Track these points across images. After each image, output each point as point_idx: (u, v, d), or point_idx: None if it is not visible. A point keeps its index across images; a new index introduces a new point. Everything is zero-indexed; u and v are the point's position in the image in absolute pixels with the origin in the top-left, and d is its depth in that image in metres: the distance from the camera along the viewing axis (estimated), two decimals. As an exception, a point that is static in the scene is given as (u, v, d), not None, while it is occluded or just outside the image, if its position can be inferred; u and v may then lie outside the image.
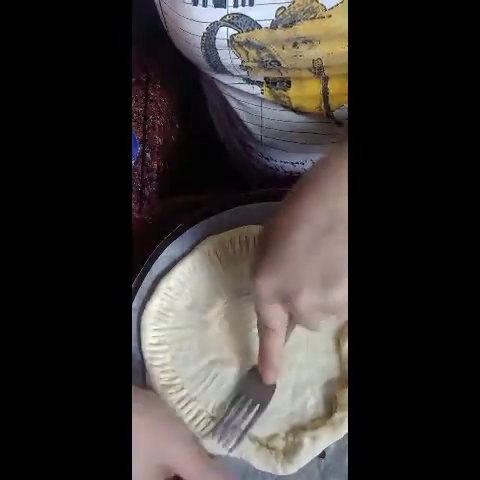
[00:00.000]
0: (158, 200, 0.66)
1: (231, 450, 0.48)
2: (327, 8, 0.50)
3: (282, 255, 0.41)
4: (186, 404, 0.51)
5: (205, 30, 0.54)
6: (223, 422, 0.49)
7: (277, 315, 0.44)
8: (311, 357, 0.51)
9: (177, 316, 0.55)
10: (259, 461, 0.48)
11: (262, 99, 0.64)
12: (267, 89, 0.62)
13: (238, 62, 0.57)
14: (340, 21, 0.51)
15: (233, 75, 0.61)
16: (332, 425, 0.48)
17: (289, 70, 0.58)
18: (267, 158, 0.76)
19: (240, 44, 0.55)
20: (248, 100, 0.66)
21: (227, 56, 0.56)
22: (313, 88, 0.60)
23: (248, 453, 0.48)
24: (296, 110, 0.64)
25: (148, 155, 0.68)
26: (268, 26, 0.53)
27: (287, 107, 0.64)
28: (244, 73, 0.59)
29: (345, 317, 0.38)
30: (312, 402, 0.50)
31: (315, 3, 0.50)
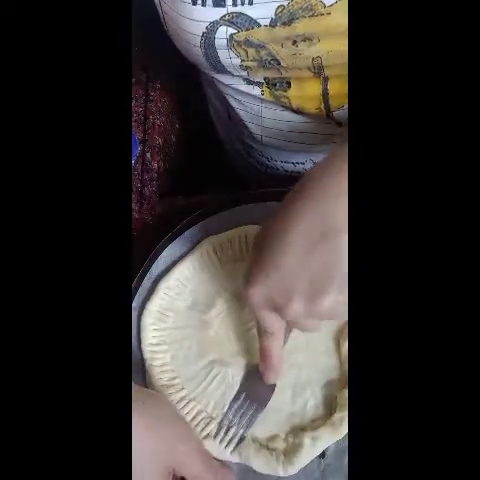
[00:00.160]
0: (158, 200, 0.67)
1: (232, 451, 0.48)
2: (326, 5, 0.50)
3: (274, 263, 0.41)
4: (186, 404, 0.51)
5: (205, 29, 0.54)
6: (223, 423, 0.49)
7: (274, 319, 0.44)
8: (311, 358, 0.51)
9: (177, 316, 0.55)
10: (259, 463, 0.48)
11: (262, 99, 0.65)
12: (267, 90, 0.62)
13: (238, 62, 0.57)
14: (339, 19, 0.51)
15: (233, 75, 0.61)
16: (332, 425, 0.48)
17: (289, 70, 0.58)
18: (267, 158, 0.76)
19: (239, 43, 0.55)
20: (248, 100, 0.66)
21: (226, 55, 0.56)
22: (313, 89, 0.60)
23: (248, 455, 0.48)
24: (296, 111, 0.64)
25: (148, 155, 0.68)
26: (267, 24, 0.53)
27: (287, 107, 0.64)
28: (244, 73, 0.59)
29: (344, 318, 0.38)
30: (312, 402, 0.50)
31: (314, 0, 0.50)
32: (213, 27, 0.54)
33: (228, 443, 0.49)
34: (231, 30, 0.54)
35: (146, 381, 0.53)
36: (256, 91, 0.63)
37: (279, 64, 0.57)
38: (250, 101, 0.66)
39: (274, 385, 0.49)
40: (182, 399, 0.51)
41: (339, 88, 0.60)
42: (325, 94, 0.61)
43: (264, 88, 0.62)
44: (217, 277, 0.56)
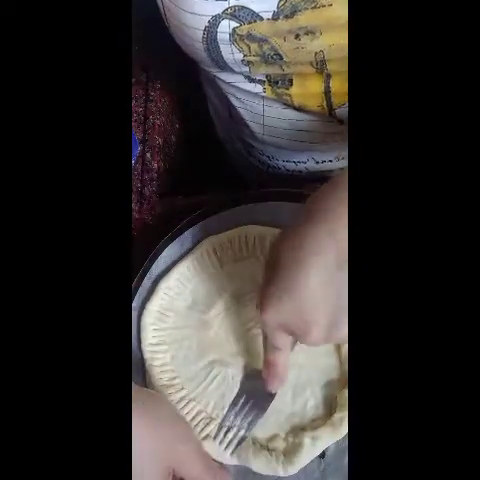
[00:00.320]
0: (158, 200, 0.67)
1: (232, 453, 0.48)
2: None
3: (290, 292, 0.40)
4: (185, 404, 0.51)
5: (207, 24, 0.54)
6: (223, 424, 0.49)
7: (284, 339, 0.44)
8: (311, 358, 0.51)
9: (177, 316, 0.55)
10: (259, 464, 0.48)
11: (264, 97, 0.64)
12: (269, 87, 0.62)
13: (240, 57, 0.57)
14: (341, 11, 0.51)
15: (234, 72, 0.61)
16: (332, 425, 0.48)
17: (291, 65, 0.58)
18: (269, 157, 0.76)
19: (242, 37, 0.55)
20: (250, 98, 0.66)
21: (229, 50, 0.56)
22: (315, 86, 0.60)
23: (247, 457, 0.48)
24: (298, 109, 0.64)
25: (148, 155, 0.68)
26: (270, 17, 0.53)
27: (289, 105, 0.64)
28: (246, 69, 0.59)
29: None
30: (312, 402, 0.50)
31: None
32: (215, 21, 0.53)
33: (228, 445, 0.49)
34: (233, 24, 0.54)
35: (146, 381, 0.53)
36: (258, 89, 0.63)
37: (281, 59, 0.57)
38: (251, 99, 0.66)
39: (275, 393, 0.49)
40: (182, 399, 0.51)
41: (341, 86, 0.60)
42: (327, 92, 0.60)
43: (266, 86, 0.62)
44: (217, 277, 0.56)
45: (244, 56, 0.57)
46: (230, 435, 0.49)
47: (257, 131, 0.70)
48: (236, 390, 0.51)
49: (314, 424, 0.49)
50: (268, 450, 0.48)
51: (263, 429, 0.49)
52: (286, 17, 0.52)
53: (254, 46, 0.56)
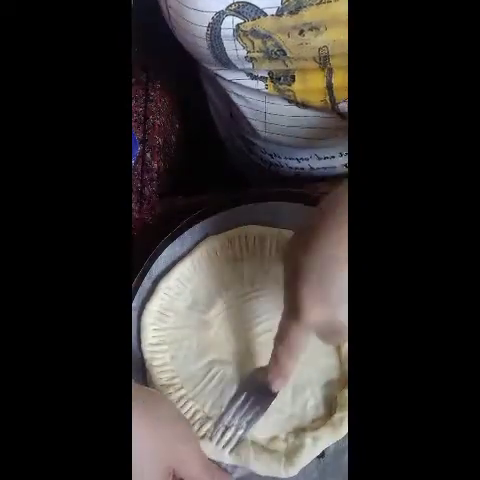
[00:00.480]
0: (158, 200, 0.67)
1: (231, 452, 0.48)
2: None
3: (330, 291, 0.40)
4: (184, 404, 0.51)
5: (210, 20, 0.54)
6: (221, 422, 0.49)
7: (305, 341, 0.44)
8: (311, 358, 0.51)
9: (177, 316, 0.55)
10: (260, 466, 0.47)
11: (266, 94, 0.64)
12: (271, 84, 0.62)
13: (243, 53, 0.57)
14: (346, 6, 0.50)
15: (237, 69, 0.61)
16: (332, 425, 0.48)
17: (294, 60, 0.57)
18: (271, 154, 0.75)
19: (246, 33, 0.55)
20: (252, 96, 0.66)
21: (232, 46, 0.56)
22: (317, 81, 0.60)
23: (248, 458, 0.48)
24: (301, 104, 0.64)
25: (148, 155, 0.68)
26: (274, 14, 0.53)
27: (291, 101, 0.64)
28: (248, 65, 0.59)
29: None
30: (312, 403, 0.50)
31: None
32: (219, 17, 0.53)
33: (226, 443, 0.48)
34: (237, 20, 0.53)
35: (147, 380, 0.53)
36: (260, 85, 0.63)
37: (285, 55, 0.56)
38: (253, 97, 0.66)
39: (277, 392, 0.49)
40: (181, 399, 0.51)
41: (344, 80, 0.59)
42: (329, 86, 0.60)
43: (268, 82, 0.62)
44: (217, 277, 0.56)
45: (248, 52, 0.57)
46: (228, 433, 0.49)
47: (259, 129, 0.70)
48: (235, 388, 0.51)
49: (314, 424, 0.49)
50: (269, 451, 0.48)
51: (263, 430, 0.49)
52: (291, 13, 0.52)
53: (258, 42, 0.55)
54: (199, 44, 0.57)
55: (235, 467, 0.48)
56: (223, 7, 0.53)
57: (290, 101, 0.64)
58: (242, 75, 0.63)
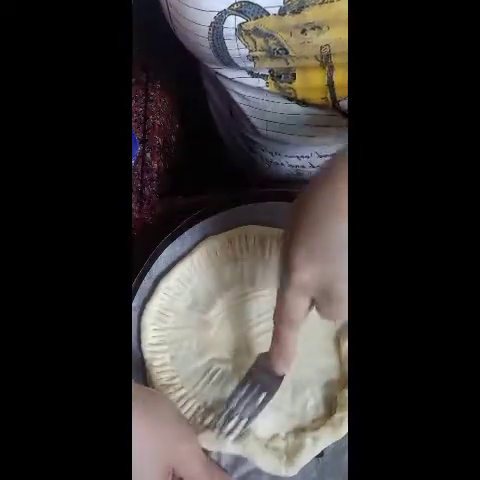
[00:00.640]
0: (158, 200, 0.67)
1: (234, 440, 0.47)
2: None
3: (323, 247, 0.39)
4: (184, 403, 0.51)
5: (213, 19, 0.54)
6: (227, 409, 0.48)
7: (303, 307, 0.43)
8: (311, 358, 0.51)
9: (177, 316, 0.55)
10: (264, 461, 0.47)
11: (267, 92, 0.64)
12: (272, 82, 0.62)
13: (245, 52, 0.57)
14: None
15: (238, 68, 0.61)
16: (332, 425, 0.48)
17: (296, 59, 0.58)
18: (271, 153, 0.75)
19: (248, 32, 0.55)
20: (252, 94, 0.66)
21: (234, 46, 0.56)
22: (317, 79, 0.60)
23: (252, 452, 0.47)
24: (301, 102, 0.64)
25: (148, 155, 0.68)
26: (276, 13, 0.53)
27: (292, 99, 0.64)
28: (250, 64, 0.59)
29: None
30: (312, 403, 0.50)
31: None
32: (221, 17, 0.53)
33: (230, 432, 0.48)
34: (240, 19, 0.53)
35: (147, 380, 0.53)
36: (261, 83, 0.63)
37: (287, 53, 0.57)
38: (254, 95, 0.66)
39: (283, 375, 0.48)
40: (181, 398, 0.51)
41: (344, 78, 0.59)
42: (330, 84, 0.60)
43: (269, 80, 0.62)
44: (217, 277, 0.56)
45: (250, 51, 0.57)
46: (233, 422, 0.48)
47: (260, 127, 0.70)
48: (235, 384, 0.50)
49: (314, 424, 0.49)
50: (270, 448, 0.48)
51: (263, 429, 0.49)
52: (293, 12, 0.52)
53: (260, 41, 0.55)
54: (201, 43, 0.57)
55: (235, 467, 0.48)
56: (225, 6, 0.53)
57: (291, 99, 0.64)
58: (243, 73, 0.63)
